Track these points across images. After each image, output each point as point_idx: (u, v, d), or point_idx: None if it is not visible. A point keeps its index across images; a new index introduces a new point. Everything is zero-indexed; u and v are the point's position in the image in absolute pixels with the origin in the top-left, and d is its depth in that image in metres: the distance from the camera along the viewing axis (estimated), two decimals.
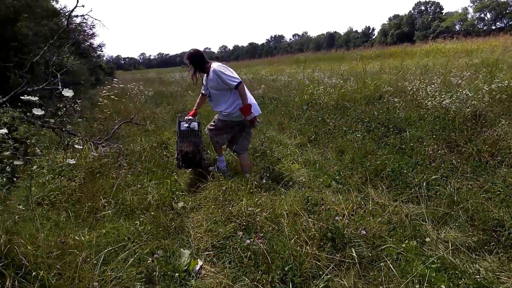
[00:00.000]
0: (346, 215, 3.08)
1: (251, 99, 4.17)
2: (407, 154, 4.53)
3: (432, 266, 2.37)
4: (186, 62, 4.19)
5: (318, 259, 2.57)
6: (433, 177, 3.74)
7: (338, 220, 2.90)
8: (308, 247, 2.64)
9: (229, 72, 4.02)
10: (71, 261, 2.31)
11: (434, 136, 4.92)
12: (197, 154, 4.41)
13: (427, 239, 2.76)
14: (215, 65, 4.04)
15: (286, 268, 2.45)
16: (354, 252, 2.58)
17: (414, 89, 7.27)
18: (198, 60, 4.14)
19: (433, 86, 7.04)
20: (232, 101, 4.11)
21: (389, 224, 3.02)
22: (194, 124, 4.61)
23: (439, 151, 4.39)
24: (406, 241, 2.70)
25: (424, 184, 3.59)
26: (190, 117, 4.59)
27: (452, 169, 3.96)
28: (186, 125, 4.56)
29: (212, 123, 4.42)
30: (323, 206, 3.21)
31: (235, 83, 3.96)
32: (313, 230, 2.83)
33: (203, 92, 4.55)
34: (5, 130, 2.65)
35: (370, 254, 2.63)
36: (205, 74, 4.23)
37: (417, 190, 3.55)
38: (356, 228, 2.87)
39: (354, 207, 3.31)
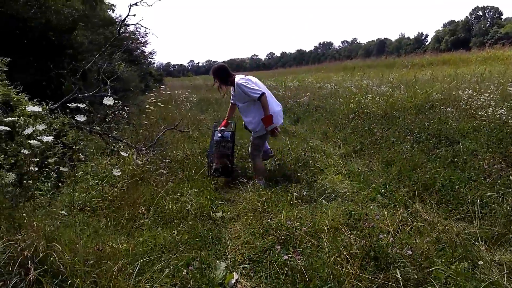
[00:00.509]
0: (391, 232, 2.91)
1: (274, 107, 4.36)
2: (460, 168, 4.27)
3: None
4: (212, 76, 4.49)
5: (359, 279, 2.42)
6: (488, 193, 3.48)
7: (383, 238, 2.73)
8: (349, 266, 2.50)
9: (252, 84, 4.23)
10: (107, 269, 2.31)
11: (489, 149, 4.62)
12: (228, 165, 4.54)
13: (480, 262, 2.53)
14: (237, 78, 4.30)
15: None
16: (398, 273, 2.40)
17: (469, 98, 6.89)
18: (221, 74, 4.39)
19: (488, 95, 6.63)
20: (257, 114, 4.33)
21: (438, 243, 2.82)
22: (227, 134, 4.69)
23: (495, 166, 4.08)
24: (456, 263, 2.50)
25: (478, 201, 3.34)
26: (223, 128, 4.73)
27: (509, 185, 3.65)
28: (220, 135, 4.64)
29: (252, 145, 4.53)
30: (366, 222, 3.05)
31: (257, 95, 4.15)
32: (355, 247, 2.69)
33: (232, 101, 4.77)
34: (51, 138, 2.70)
35: (416, 276, 2.44)
36: (232, 87, 4.48)
37: (469, 207, 3.30)
38: (401, 247, 2.70)
39: (400, 224, 3.13)
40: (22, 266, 2.09)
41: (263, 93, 4.16)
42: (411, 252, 2.59)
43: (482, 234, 2.90)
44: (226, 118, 4.89)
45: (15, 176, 2.81)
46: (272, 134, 4.32)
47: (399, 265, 2.53)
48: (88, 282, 2.19)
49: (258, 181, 4.32)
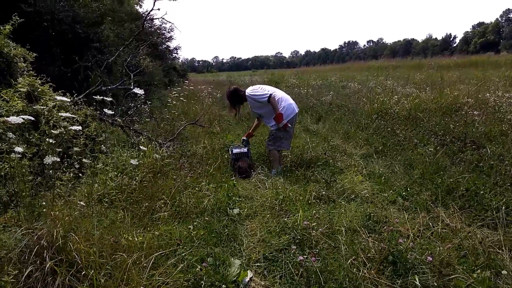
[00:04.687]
0: (411, 236, 2.83)
1: (286, 102, 4.83)
2: (485, 172, 4.12)
3: None
4: (226, 101, 5.26)
5: (376, 284, 2.36)
6: None
7: (402, 242, 2.66)
8: (365, 270, 2.45)
9: (259, 91, 4.81)
10: (121, 262, 2.32)
11: None
12: (248, 168, 4.90)
13: (503, 271, 2.43)
14: (247, 92, 4.90)
15: None
16: (417, 280, 2.33)
17: (497, 101, 6.66)
18: (234, 97, 5.07)
19: None
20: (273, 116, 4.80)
21: (460, 250, 2.73)
22: (244, 150, 5.14)
23: None
24: (478, 271, 2.41)
25: (503, 207, 3.21)
26: (245, 138, 5.32)
27: None
28: (238, 149, 5.12)
29: (271, 138, 4.92)
30: (386, 226, 2.98)
31: (266, 98, 4.69)
32: (373, 251, 2.63)
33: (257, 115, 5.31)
34: (79, 127, 2.73)
35: (435, 284, 2.36)
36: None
37: (494, 214, 3.19)
38: (421, 252, 2.62)
39: (421, 229, 3.04)
40: (38, 255, 2.10)
41: (270, 95, 4.67)
42: (431, 258, 2.50)
43: (507, 242, 2.78)
44: (251, 129, 5.51)
45: (53, 159, 2.75)
46: (284, 129, 4.73)
47: (418, 271, 2.46)
48: (102, 273, 2.20)
49: (272, 171, 4.77)
